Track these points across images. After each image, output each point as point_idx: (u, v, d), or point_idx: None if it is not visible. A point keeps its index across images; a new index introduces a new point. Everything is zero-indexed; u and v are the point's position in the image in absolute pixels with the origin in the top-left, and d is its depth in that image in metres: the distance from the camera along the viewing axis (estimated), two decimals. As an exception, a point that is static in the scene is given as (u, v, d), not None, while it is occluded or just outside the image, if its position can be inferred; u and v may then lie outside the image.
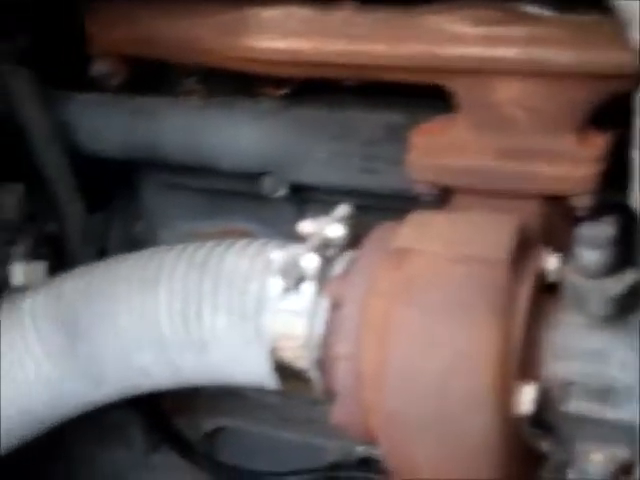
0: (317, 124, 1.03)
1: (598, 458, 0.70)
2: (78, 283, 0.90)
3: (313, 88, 1.02)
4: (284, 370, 0.78)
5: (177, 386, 0.89)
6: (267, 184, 1.07)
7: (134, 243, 1.27)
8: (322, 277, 0.75)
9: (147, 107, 1.11)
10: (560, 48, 0.79)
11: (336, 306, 0.74)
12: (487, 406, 0.66)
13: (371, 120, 0.99)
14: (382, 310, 0.71)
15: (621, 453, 0.69)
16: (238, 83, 1.05)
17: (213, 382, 0.88)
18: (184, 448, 1.23)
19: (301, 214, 1.11)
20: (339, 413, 0.76)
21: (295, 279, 0.75)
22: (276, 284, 0.76)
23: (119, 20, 1.04)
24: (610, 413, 0.68)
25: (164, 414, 1.25)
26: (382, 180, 0.99)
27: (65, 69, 1.14)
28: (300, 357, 0.76)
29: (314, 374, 0.76)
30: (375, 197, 1.01)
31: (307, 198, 1.11)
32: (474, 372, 0.66)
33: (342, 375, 0.74)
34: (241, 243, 0.84)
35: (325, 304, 0.75)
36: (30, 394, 0.90)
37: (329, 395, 0.78)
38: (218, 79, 1.08)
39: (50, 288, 0.93)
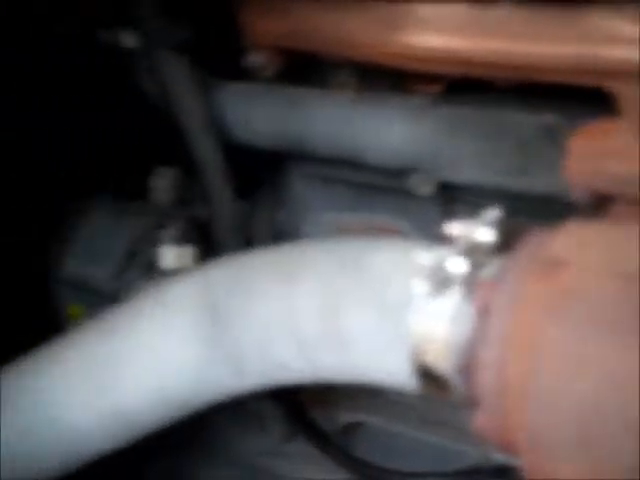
0: (469, 123, 1.00)
1: None
2: (225, 273, 0.91)
3: (467, 86, 0.98)
4: (425, 373, 0.77)
5: (315, 382, 0.89)
6: (415, 181, 1.05)
7: (277, 231, 1.28)
8: (469, 282, 0.73)
9: (299, 98, 1.11)
10: None
11: (483, 313, 0.72)
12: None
13: (525, 120, 0.95)
14: (531, 322, 0.68)
15: None
16: (391, 78, 1.04)
17: (351, 381, 0.87)
18: (320, 440, 1.23)
19: (447, 214, 1.10)
20: (480, 420, 0.74)
21: (441, 283, 0.73)
22: (421, 287, 0.74)
23: (275, 12, 1.04)
24: None
25: (302, 405, 1.25)
26: (534, 183, 0.95)
27: (219, 58, 1.16)
28: (442, 361, 0.75)
29: (455, 379, 0.75)
30: (526, 200, 0.97)
31: (455, 197, 1.09)
32: (626, 394, 0.64)
33: (485, 383, 0.72)
34: (386, 242, 0.83)
35: (471, 310, 0.73)
36: (174, 377, 0.91)
37: (470, 401, 0.76)
38: (371, 73, 1.05)
39: (197, 276, 0.94)
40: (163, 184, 1.25)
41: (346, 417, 1.26)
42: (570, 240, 0.71)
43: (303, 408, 1.26)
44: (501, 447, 0.78)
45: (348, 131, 1.07)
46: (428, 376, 0.77)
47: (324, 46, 1.01)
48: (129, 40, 1.12)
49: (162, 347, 0.90)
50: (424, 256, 0.75)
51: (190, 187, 1.26)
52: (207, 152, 1.15)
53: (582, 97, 0.87)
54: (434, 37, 0.89)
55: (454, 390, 0.76)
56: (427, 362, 0.76)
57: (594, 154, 0.83)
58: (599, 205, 0.84)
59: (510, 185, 0.98)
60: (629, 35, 0.77)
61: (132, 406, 0.92)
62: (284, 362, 0.86)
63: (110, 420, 0.93)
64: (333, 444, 1.23)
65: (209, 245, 1.22)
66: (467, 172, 1.01)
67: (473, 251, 0.74)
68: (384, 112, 1.04)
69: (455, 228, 0.77)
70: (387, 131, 1.04)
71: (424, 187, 1.05)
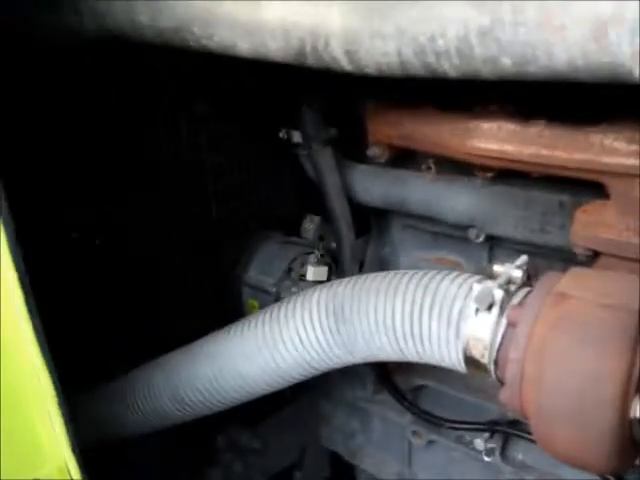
0: (510, 197, 0.98)
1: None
2: (346, 287, 0.91)
3: (510, 173, 0.95)
4: (471, 362, 0.77)
5: (400, 360, 0.87)
6: (472, 233, 1.04)
7: (382, 262, 1.27)
8: (504, 304, 0.73)
9: (400, 176, 1.11)
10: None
11: (511, 325, 0.72)
12: (613, 410, 0.63)
13: (548, 198, 0.93)
14: (543, 334, 0.68)
15: None
16: (460, 166, 1.01)
17: (422, 362, 0.85)
18: (398, 394, 1.21)
19: (492, 256, 1.11)
20: (505, 396, 0.74)
21: (487, 304, 0.73)
22: (473, 305, 0.75)
23: (389, 122, 1.03)
24: None
25: (387, 370, 1.24)
26: (551, 240, 0.93)
27: (352, 149, 1.17)
28: (483, 355, 0.75)
29: (491, 367, 0.75)
30: (545, 250, 0.96)
31: (497, 245, 1.08)
32: (606, 387, 0.63)
33: (510, 372, 0.72)
34: (452, 274, 0.82)
35: (504, 323, 0.73)
36: (310, 351, 0.92)
37: (499, 381, 0.76)
38: (447, 162, 1.04)
39: (328, 287, 0.94)
40: (310, 226, 1.27)
41: (416, 381, 1.24)
42: (573, 281, 0.71)
43: (388, 372, 1.25)
44: (517, 413, 0.76)
45: (431, 198, 1.06)
46: (473, 364, 0.77)
47: (421, 145, 1.01)
48: (297, 137, 1.14)
49: (303, 332, 0.92)
50: (477, 286, 0.74)
51: (326, 230, 1.28)
52: (340, 208, 1.15)
53: (586, 185, 0.85)
54: (491, 143, 0.88)
55: (489, 374, 0.76)
56: (473, 355, 0.76)
57: (590, 224, 0.82)
58: (593, 258, 0.82)
59: (534, 240, 0.96)
60: (619, 149, 0.76)
61: (283, 367, 0.94)
62: (381, 347, 0.86)
63: (269, 374, 0.96)
64: (406, 397, 1.21)
65: (337, 267, 1.23)
66: (507, 229, 1.00)
67: (508, 283, 0.75)
68: (455, 187, 1.04)
69: (498, 268, 0.77)
70: (456, 200, 1.03)
71: (478, 237, 1.04)
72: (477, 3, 0.60)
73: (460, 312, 0.77)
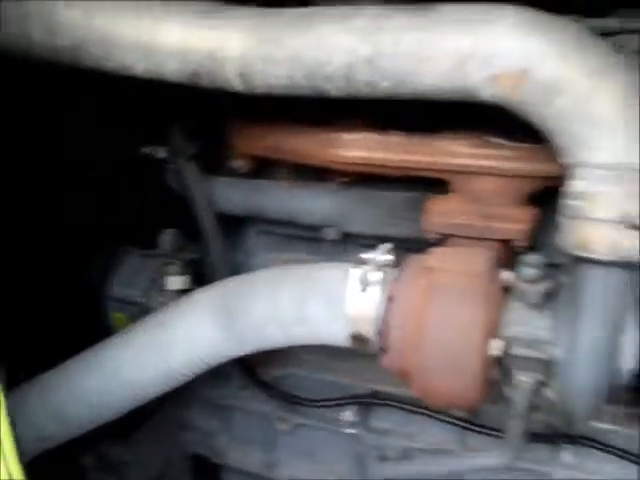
0: (362, 198, 1.13)
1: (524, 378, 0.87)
2: (232, 285, 1.01)
3: (362, 177, 1.10)
4: (357, 338, 0.90)
5: (287, 345, 0.98)
6: (329, 232, 1.17)
7: (236, 267, 1.33)
8: (381, 283, 0.88)
9: (260, 185, 1.21)
10: (514, 162, 0.93)
11: (390, 300, 0.88)
12: (478, 351, 0.83)
13: (394, 196, 1.11)
14: (417, 302, 0.86)
15: (539, 377, 0.85)
16: (314, 174, 1.15)
17: (311, 343, 0.96)
18: (264, 384, 1.30)
19: (346, 252, 1.22)
20: (388, 360, 0.90)
21: (365, 285, 0.88)
22: (354, 287, 0.89)
23: (256, 136, 1.13)
24: (534, 354, 0.83)
25: (251, 365, 1.30)
26: (400, 231, 1.10)
27: (215, 163, 1.25)
28: (367, 330, 0.89)
29: (374, 339, 0.89)
30: (395, 241, 1.03)
31: (351, 242, 1.20)
32: (471, 333, 0.83)
33: (393, 338, 0.88)
34: (330, 263, 0.97)
35: (384, 298, 0.88)
36: (201, 349, 1.00)
37: (382, 350, 0.90)
38: (301, 171, 1.17)
39: (215, 288, 1.02)
40: (167, 239, 1.31)
41: (277, 371, 1.32)
42: (435, 257, 0.89)
43: (251, 366, 1.31)
44: (399, 375, 0.93)
45: (290, 204, 1.18)
46: (358, 339, 0.91)
47: (288, 155, 1.11)
48: (162, 152, 1.21)
49: (194, 331, 0.99)
50: (356, 270, 0.89)
51: (183, 241, 1.32)
52: (208, 218, 1.23)
53: (427, 183, 1.04)
54: (359, 152, 1.02)
55: (373, 345, 0.91)
56: (358, 331, 0.89)
57: (439, 212, 1.00)
58: (443, 241, 1.01)
59: (385, 233, 1.12)
60: (460, 152, 0.96)
61: (176, 366, 1.01)
62: (271, 336, 0.96)
63: (161, 376, 1.02)
64: (271, 385, 1.30)
65: (206, 276, 1.28)
66: (361, 226, 1.15)
67: (381, 266, 0.90)
68: (312, 192, 1.17)
69: (367, 255, 0.92)
70: (314, 203, 1.17)
71: (334, 235, 1.18)
72: (362, 35, 0.76)
73: (342, 295, 0.90)
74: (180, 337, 1.00)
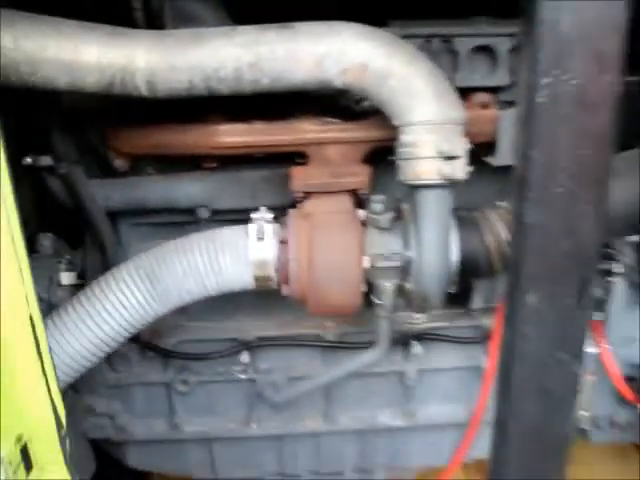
0: (227, 178, 1.39)
1: (388, 283, 1.24)
2: (150, 256, 1.21)
3: (229, 162, 1.36)
4: (260, 279, 1.19)
5: (203, 297, 1.21)
6: (202, 211, 1.40)
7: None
8: (274, 232, 1.19)
9: (136, 181, 1.39)
10: (349, 132, 1.27)
11: (283, 243, 1.19)
12: (356, 266, 1.17)
13: (258, 174, 1.39)
14: (304, 237, 1.18)
15: (397, 281, 1.23)
16: (184, 164, 1.38)
17: (223, 292, 1.21)
18: (162, 352, 1.50)
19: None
20: (289, 289, 1.21)
21: (262, 234, 1.18)
22: (254, 238, 1.18)
23: (136, 136, 1.31)
24: (392, 264, 1.19)
25: (146, 339, 1.49)
26: (260, 202, 1.30)
27: (99, 164, 1.40)
28: (269, 269, 1.18)
29: (275, 275, 1.19)
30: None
31: (220, 218, 1.41)
32: (349, 254, 1.17)
33: (291, 270, 1.18)
34: (229, 226, 1.23)
35: (278, 242, 1.18)
36: (129, 315, 1.19)
37: (282, 284, 1.20)
38: (173, 163, 1.39)
39: (134, 261, 1.22)
40: (46, 243, 1.44)
41: (171, 340, 1.51)
42: (310, 206, 1.23)
43: (147, 340, 1.49)
44: (297, 300, 1.23)
45: (167, 193, 1.39)
46: (261, 279, 1.20)
47: (171, 149, 1.30)
48: (45, 160, 1.32)
49: (124, 298, 1.19)
50: (253, 226, 1.19)
51: (60, 244, 1.47)
52: (100, 218, 1.38)
53: (280, 160, 1.34)
54: (232, 138, 1.27)
55: (274, 282, 1.20)
56: (261, 273, 1.19)
57: (303, 176, 1.29)
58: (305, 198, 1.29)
59: (249, 205, 1.34)
60: (313, 129, 1.28)
61: (111, 333, 1.20)
62: (190, 290, 1.20)
63: (96, 344, 1.20)
64: (170, 351, 1.51)
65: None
66: (228, 202, 1.41)
67: (269, 221, 1.20)
68: (185, 180, 1.39)
69: (255, 215, 1.21)
70: (188, 188, 1.39)
71: (205, 214, 1.42)
72: (245, 47, 1.05)
73: (245, 245, 1.18)
74: (112, 307, 1.19)
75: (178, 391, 1.53)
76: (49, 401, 0.82)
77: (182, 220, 1.47)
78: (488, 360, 1.48)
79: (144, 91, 1.08)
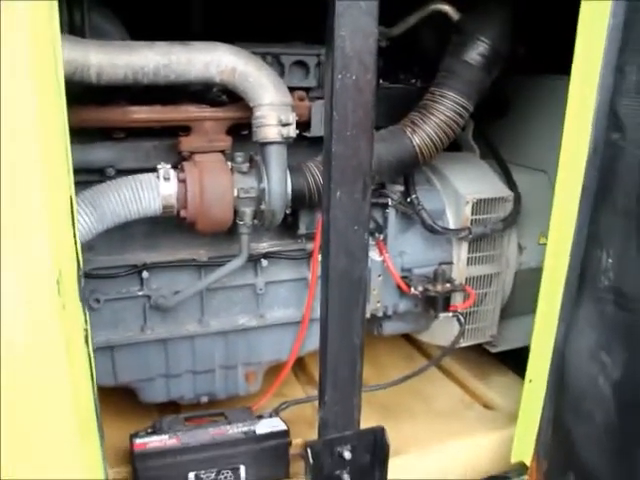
0: (130, 146, 2.08)
1: (247, 210, 2.06)
2: (92, 190, 1.88)
3: (134, 133, 2.09)
4: (166, 206, 1.93)
5: (127, 220, 1.94)
6: (109, 170, 2.06)
7: None
8: (175, 174, 1.95)
9: None
10: (216, 113, 2.09)
11: (182, 181, 1.95)
12: (229, 195, 1.98)
13: (147, 143, 2.11)
14: (196, 177, 1.95)
15: (255, 207, 2.06)
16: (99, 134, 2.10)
17: (141, 217, 1.92)
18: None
19: None
20: (186, 213, 1.96)
21: (167, 176, 1.93)
22: (162, 178, 1.92)
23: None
24: (250, 195, 2.04)
25: None
26: (152, 163, 2.04)
27: None
28: (173, 199, 1.93)
29: (177, 204, 1.94)
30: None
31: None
32: (225, 187, 1.97)
33: (189, 198, 1.94)
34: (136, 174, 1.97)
35: (177, 182, 1.94)
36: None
37: (181, 209, 1.95)
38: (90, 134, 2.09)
39: (83, 193, 1.88)
40: None
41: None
42: (198, 158, 1.99)
43: None
44: (190, 223, 1.99)
45: (82, 157, 2.04)
46: (167, 207, 1.95)
47: (97, 123, 1.96)
48: None
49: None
50: (161, 171, 1.93)
51: None
52: None
53: (170, 133, 2.12)
54: (136, 115, 2.00)
55: (175, 209, 1.95)
56: (165, 204, 1.94)
57: (187, 142, 2.06)
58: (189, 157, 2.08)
59: (145, 165, 2.07)
60: (193, 110, 2.06)
61: None
62: (118, 215, 1.89)
63: None
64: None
65: None
66: (130, 163, 2.09)
67: (169, 168, 1.96)
68: (97, 146, 2.07)
69: (160, 165, 1.96)
70: (99, 153, 2.06)
71: (111, 172, 2.07)
72: (161, 54, 1.82)
73: (157, 184, 1.92)
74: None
75: (90, 307, 2.19)
76: (74, 245, 1.48)
77: (94, 179, 2.01)
78: (310, 273, 2.35)
79: (94, 80, 1.79)
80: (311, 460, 1.90)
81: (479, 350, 2.90)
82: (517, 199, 2.49)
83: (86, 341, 1.49)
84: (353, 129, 1.65)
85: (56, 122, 1.30)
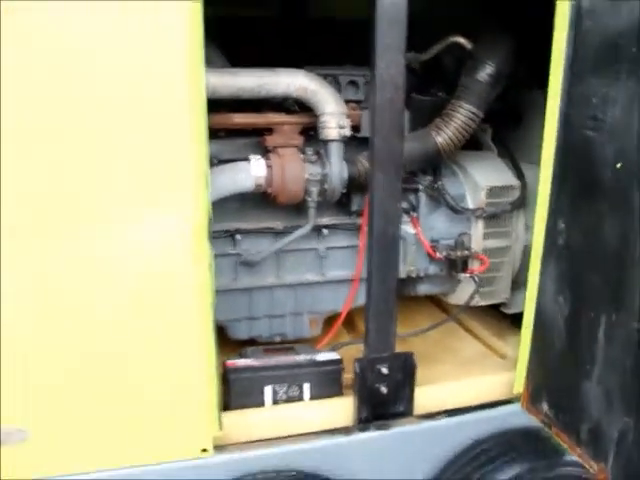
0: (228, 142, 2.99)
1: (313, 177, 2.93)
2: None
3: (231, 133, 3.02)
4: (257, 185, 2.81)
5: (232, 193, 2.83)
6: (212, 161, 3.01)
7: None
8: (265, 161, 2.82)
9: None
10: (291, 118, 2.97)
11: (268, 167, 2.82)
12: (301, 177, 2.85)
13: (243, 141, 2.99)
14: (279, 164, 2.82)
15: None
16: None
17: (239, 192, 2.79)
18: None
19: None
20: (272, 189, 2.82)
21: (258, 164, 2.81)
22: (254, 164, 2.79)
23: None
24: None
25: None
26: (243, 155, 3.00)
27: None
28: (263, 179, 2.81)
29: (265, 182, 2.82)
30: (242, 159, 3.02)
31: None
32: (299, 171, 2.85)
33: (274, 179, 2.81)
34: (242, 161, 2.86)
35: (266, 167, 2.82)
36: None
37: (269, 187, 2.82)
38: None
39: None
40: None
41: None
42: (280, 151, 2.88)
43: None
44: (275, 197, 2.87)
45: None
46: (258, 184, 2.83)
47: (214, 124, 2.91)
48: None
49: None
50: (252, 157, 2.82)
51: None
52: None
53: (259, 133, 3.01)
54: (237, 120, 2.86)
55: (263, 186, 2.83)
56: (258, 182, 2.82)
57: (272, 139, 2.96)
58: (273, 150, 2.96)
59: (238, 157, 3.01)
60: (275, 117, 2.96)
61: None
62: (227, 188, 2.80)
63: None
64: None
65: None
66: (227, 156, 3.02)
67: (259, 157, 2.85)
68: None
69: (252, 156, 2.85)
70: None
71: (215, 162, 3.02)
72: (255, 77, 2.72)
73: (249, 167, 2.80)
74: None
75: (197, 262, 3.07)
76: (207, 205, 2.38)
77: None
78: (359, 241, 3.19)
79: (209, 95, 2.68)
80: (358, 371, 2.73)
81: (497, 314, 3.67)
82: (524, 187, 3.28)
83: (210, 269, 2.37)
84: (388, 131, 2.50)
85: (201, 121, 2.19)
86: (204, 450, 2.47)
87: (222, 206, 2.87)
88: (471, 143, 3.21)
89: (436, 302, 3.75)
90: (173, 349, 2.29)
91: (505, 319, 3.67)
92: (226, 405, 2.65)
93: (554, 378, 2.51)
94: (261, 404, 2.72)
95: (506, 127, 3.55)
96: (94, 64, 1.81)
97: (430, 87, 3.25)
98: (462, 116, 2.97)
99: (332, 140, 2.84)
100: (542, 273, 2.48)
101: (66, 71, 1.80)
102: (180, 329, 2.21)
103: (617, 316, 2.11)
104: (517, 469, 2.64)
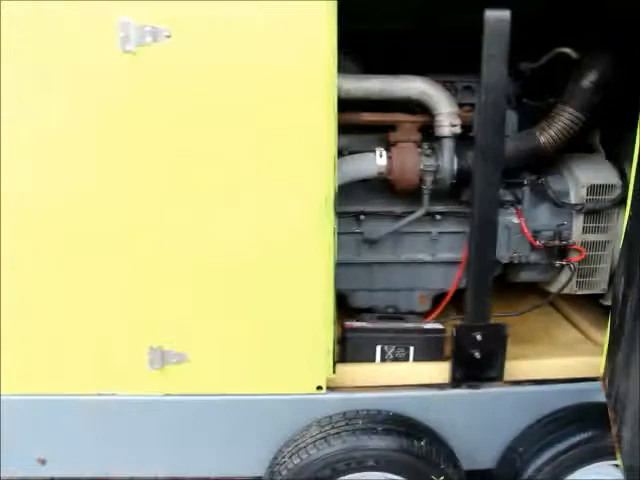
0: (358, 137, 3.62)
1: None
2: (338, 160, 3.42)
3: (361, 128, 3.63)
4: (380, 171, 3.41)
5: (357, 179, 3.45)
6: (344, 152, 3.63)
7: None
8: (386, 153, 3.42)
9: None
10: (412, 117, 3.54)
11: (389, 157, 3.41)
12: (417, 167, 3.43)
13: (373, 136, 3.58)
14: (398, 156, 3.42)
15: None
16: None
17: (364, 178, 3.41)
18: None
19: None
20: (392, 176, 3.41)
21: (381, 154, 3.41)
22: (378, 155, 3.41)
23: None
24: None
25: None
26: (371, 146, 3.60)
27: None
28: (384, 168, 3.40)
29: (386, 170, 3.41)
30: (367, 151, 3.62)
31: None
32: (416, 162, 3.43)
33: (394, 167, 3.40)
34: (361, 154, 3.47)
35: (387, 157, 3.41)
36: None
37: (389, 174, 3.41)
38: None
39: None
40: None
41: None
42: (401, 144, 3.46)
43: None
44: (394, 183, 3.46)
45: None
46: (380, 172, 3.42)
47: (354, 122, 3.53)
48: None
49: None
50: (377, 150, 3.42)
51: None
52: None
53: (384, 130, 3.61)
54: (367, 117, 3.46)
55: (384, 174, 3.42)
56: (381, 170, 3.42)
57: (395, 135, 3.54)
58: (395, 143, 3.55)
59: (365, 148, 3.61)
60: (399, 116, 3.54)
61: None
62: (351, 175, 3.42)
63: None
64: None
65: None
66: (357, 147, 3.65)
67: (382, 150, 3.45)
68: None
69: (376, 150, 3.45)
70: (341, 140, 3.61)
71: (345, 152, 3.64)
72: (380, 83, 3.32)
73: (374, 158, 3.41)
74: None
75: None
76: (334, 183, 3.00)
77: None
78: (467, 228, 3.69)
79: (343, 96, 3.29)
80: (455, 336, 3.24)
81: (595, 305, 3.98)
82: (626, 186, 3.65)
83: (333, 232, 2.99)
84: (490, 129, 3.00)
85: (332, 114, 2.83)
86: (319, 387, 3.14)
87: (350, 191, 3.47)
88: (584, 146, 3.62)
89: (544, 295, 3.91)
90: (301, 299, 2.99)
91: (599, 307, 3.78)
92: (342, 358, 3.22)
93: (619, 357, 2.79)
94: (372, 360, 3.28)
95: (616, 129, 3.91)
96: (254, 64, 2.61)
97: (541, 93, 3.70)
98: (565, 119, 3.42)
99: (445, 137, 3.39)
100: (626, 269, 2.79)
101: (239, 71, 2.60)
102: (308, 280, 2.86)
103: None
104: (577, 438, 3.06)
